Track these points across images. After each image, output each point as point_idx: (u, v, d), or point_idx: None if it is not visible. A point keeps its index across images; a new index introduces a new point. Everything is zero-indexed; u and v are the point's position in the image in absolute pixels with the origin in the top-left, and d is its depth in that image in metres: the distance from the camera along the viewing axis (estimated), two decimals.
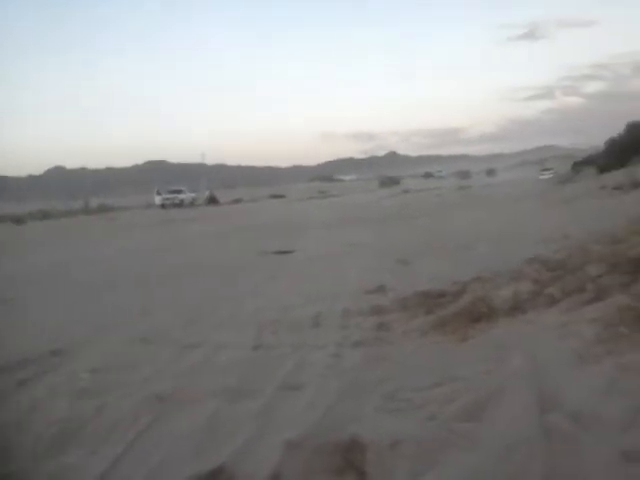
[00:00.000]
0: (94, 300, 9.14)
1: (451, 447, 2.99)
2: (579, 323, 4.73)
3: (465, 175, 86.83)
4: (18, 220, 37.96)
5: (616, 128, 31.39)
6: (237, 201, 56.71)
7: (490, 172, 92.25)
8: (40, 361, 5.67)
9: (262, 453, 3.22)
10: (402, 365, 4.55)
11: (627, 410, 3.00)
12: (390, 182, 76.94)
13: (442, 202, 30.04)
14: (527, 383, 3.63)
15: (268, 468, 3.02)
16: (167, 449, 3.47)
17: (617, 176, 21.55)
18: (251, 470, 3.08)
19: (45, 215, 44.03)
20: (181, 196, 49.98)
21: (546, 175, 50.19)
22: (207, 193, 58.33)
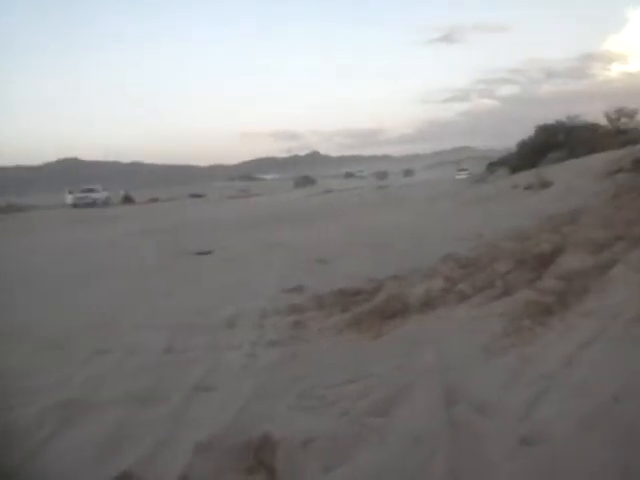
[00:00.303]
0: None
1: (362, 442, 3.04)
2: (487, 318, 4.92)
3: (382, 175, 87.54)
4: None
5: (528, 130, 32.87)
6: (154, 200, 55.31)
7: (408, 172, 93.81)
8: None
9: (171, 456, 3.16)
10: (316, 363, 4.59)
11: (525, 400, 3.15)
12: (305, 182, 76.22)
13: (361, 202, 30.48)
14: (436, 377, 3.75)
15: (176, 471, 2.96)
16: (71, 457, 3.34)
17: (528, 176, 22.52)
18: (159, 474, 3.02)
19: None
20: (94, 195, 48.07)
21: (462, 175, 51.88)
22: (122, 192, 56.64)
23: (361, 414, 3.41)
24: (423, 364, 4.07)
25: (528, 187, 20.17)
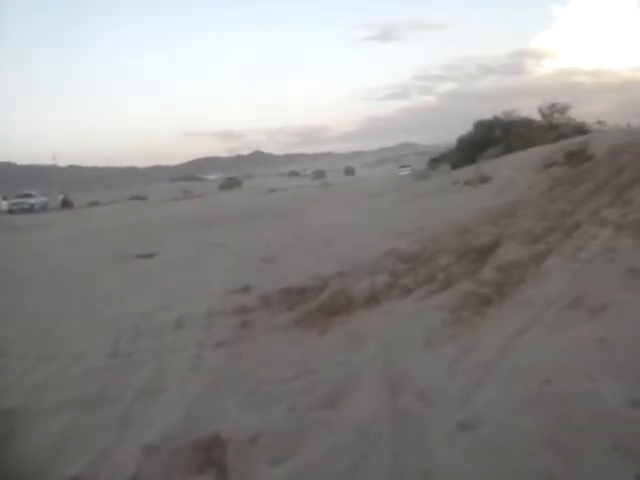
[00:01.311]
0: None
1: (309, 435, 3.11)
2: (428, 310, 5.07)
3: (320, 175, 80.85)
4: None
5: (467, 126, 33.67)
6: (94, 204, 53.93)
7: (348, 171, 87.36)
8: None
9: (119, 460, 3.15)
10: (263, 361, 4.63)
11: (464, 387, 3.28)
12: (232, 184, 71.66)
13: (305, 200, 30.56)
14: (380, 369, 3.85)
15: (125, 474, 2.95)
16: (14, 468, 3.27)
17: (467, 172, 23.07)
18: (108, 478, 3.00)
19: None
20: (31, 200, 46.51)
21: (405, 171, 52.66)
22: (60, 197, 55.00)
23: (308, 408, 3.49)
24: (367, 357, 4.17)
25: (468, 182, 20.67)
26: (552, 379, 3.07)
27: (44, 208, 46.75)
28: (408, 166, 59.13)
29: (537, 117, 31.30)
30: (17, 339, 6.31)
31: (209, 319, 6.30)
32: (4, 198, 48.00)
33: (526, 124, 30.50)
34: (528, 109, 33.73)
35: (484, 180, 19.42)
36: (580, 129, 27.07)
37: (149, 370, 4.77)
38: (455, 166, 29.43)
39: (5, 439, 3.69)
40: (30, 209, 44.43)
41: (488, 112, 32.56)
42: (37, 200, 47.38)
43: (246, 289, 7.65)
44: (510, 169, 18.76)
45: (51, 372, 5.06)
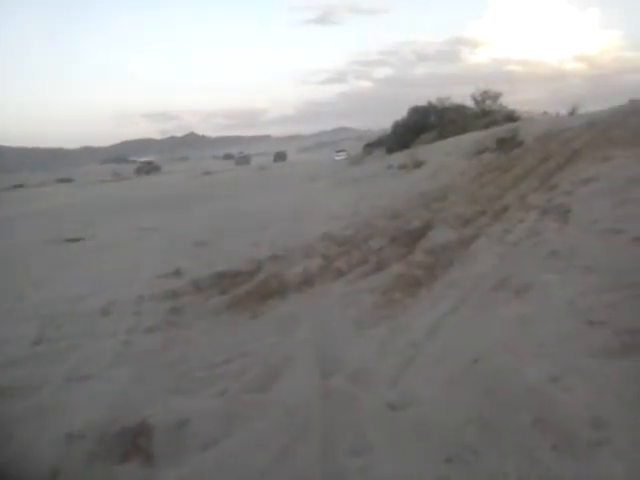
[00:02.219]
0: None
1: (240, 418, 3.09)
2: (360, 293, 5.12)
3: (244, 160, 73.15)
4: None
5: (402, 111, 34.09)
6: (18, 187, 51.69)
7: (279, 156, 76.83)
8: None
9: (41, 450, 3.03)
10: (194, 346, 4.56)
11: (394, 367, 3.34)
12: (149, 169, 66.63)
13: (240, 183, 30.29)
14: (312, 351, 3.87)
15: (47, 465, 2.85)
16: None
17: (402, 157, 23.40)
18: (29, 469, 2.90)
19: None
20: None
21: (341, 156, 52.84)
22: None
23: (239, 392, 3.46)
24: (299, 339, 4.19)
25: (402, 167, 20.98)
26: (479, 358, 3.15)
27: None
28: (344, 151, 59.31)
29: (470, 104, 32.07)
30: None
31: (139, 304, 6.14)
32: None
33: (459, 111, 31.19)
34: (462, 96, 34.35)
35: (418, 165, 19.75)
36: (511, 117, 27.86)
37: (76, 357, 4.61)
38: (390, 151, 29.79)
39: None
40: None
41: (423, 99, 33.12)
42: None
43: (177, 273, 7.52)
44: (443, 155, 19.15)
45: None
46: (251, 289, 5.90)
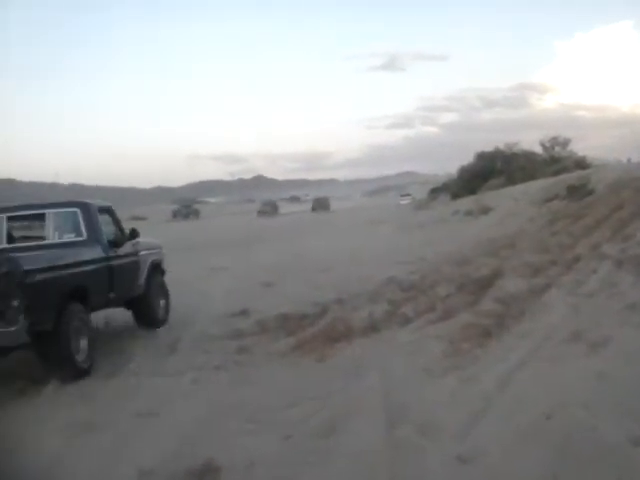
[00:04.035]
0: None
1: (305, 464, 3.07)
2: (428, 340, 5.04)
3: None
4: None
5: (468, 157, 33.92)
6: None
7: (320, 204, 57.79)
8: None
9: None
10: (260, 387, 4.60)
11: (464, 419, 3.25)
12: (188, 212, 60.04)
13: (305, 225, 30.65)
14: (379, 399, 3.82)
15: None
16: None
17: (468, 202, 23.19)
18: None
19: None
20: None
21: (405, 200, 52.84)
22: None
23: (305, 437, 3.44)
24: (366, 386, 4.15)
25: (468, 213, 20.78)
26: (553, 413, 3.04)
27: None
28: (409, 195, 59.27)
29: (539, 150, 31.60)
30: None
31: (208, 342, 6.28)
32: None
33: (528, 157, 30.78)
34: (530, 142, 34.00)
35: (485, 211, 19.51)
36: (581, 163, 27.27)
37: (145, 393, 4.74)
38: (456, 196, 29.60)
39: None
40: None
41: (490, 144, 32.91)
42: None
43: (245, 313, 7.64)
44: (511, 201, 18.85)
45: None
46: (317, 332, 5.93)
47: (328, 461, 3.06)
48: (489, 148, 32.41)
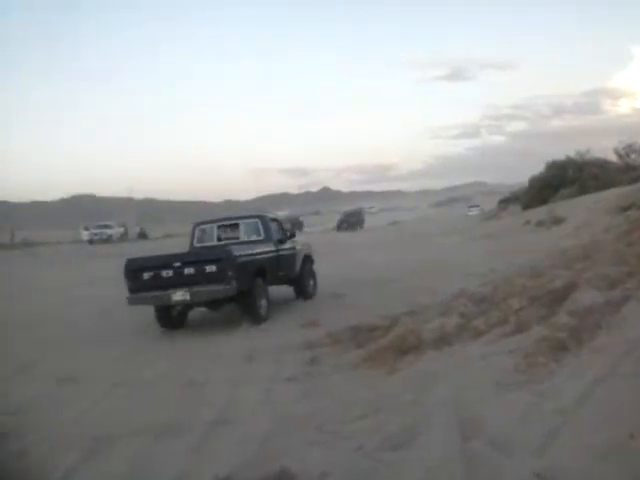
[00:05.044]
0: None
1: (377, 476, 3.09)
2: (501, 354, 4.96)
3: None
4: None
5: (538, 166, 33.02)
6: (168, 236, 55.51)
7: (353, 217, 52.58)
8: None
9: None
10: (331, 398, 4.65)
11: (540, 435, 3.19)
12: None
13: (373, 237, 30.59)
14: (450, 412, 3.80)
15: None
16: None
17: (539, 212, 22.60)
18: None
19: None
20: (109, 231, 48.66)
21: (474, 211, 51.92)
22: (137, 228, 56.95)
23: (376, 448, 3.46)
24: (438, 399, 4.12)
25: (540, 223, 20.26)
26: (636, 433, 2.95)
27: (122, 239, 48.55)
28: (477, 206, 58.21)
29: (613, 158, 30.41)
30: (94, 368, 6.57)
31: (279, 353, 6.42)
32: (85, 228, 50.11)
33: (601, 165, 29.68)
34: (603, 150, 32.68)
35: (557, 221, 18.97)
36: None
37: (221, 402, 4.90)
38: (526, 206, 28.90)
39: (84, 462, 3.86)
40: (108, 239, 46.28)
41: (561, 152, 31.86)
42: (115, 231, 49.36)
43: (315, 324, 7.76)
44: (585, 211, 18.25)
45: (127, 398, 5.30)
46: (387, 344, 5.93)
47: (401, 473, 3.07)
48: (560, 156, 31.43)
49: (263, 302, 8.80)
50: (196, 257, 8.83)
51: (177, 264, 8.36)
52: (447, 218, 47.62)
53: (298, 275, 10.66)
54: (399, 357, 5.46)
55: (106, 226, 50.15)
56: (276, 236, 10.18)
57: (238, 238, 10.05)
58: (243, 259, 8.55)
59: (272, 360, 6.15)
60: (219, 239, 10.22)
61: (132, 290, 8.44)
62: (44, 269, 23.76)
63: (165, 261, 8.59)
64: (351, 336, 6.61)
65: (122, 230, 51.30)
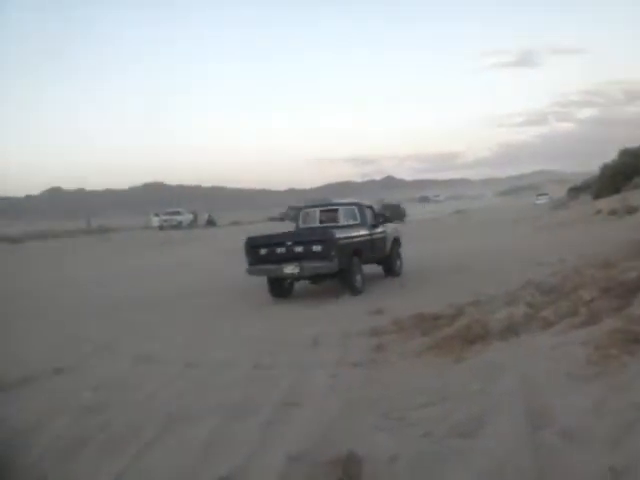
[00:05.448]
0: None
1: (446, 463, 3.10)
2: (571, 346, 4.85)
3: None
4: (14, 240, 37.03)
5: (609, 154, 31.78)
6: (235, 223, 56.55)
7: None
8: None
9: (265, 466, 3.33)
10: (397, 385, 4.67)
11: (614, 428, 3.11)
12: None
13: (440, 225, 30.23)
14: (519, 402, 3.74)
15: (271, 478, 3.14)
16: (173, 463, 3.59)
17: (612, 202, 21.80)
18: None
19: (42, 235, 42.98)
20: (179, 218, 49.98)
21: (542, 200, 50.56)
22: (206, 215, 58.22)
23: (444, 435, 3.46)
24: (505, 389, 4.07)
25: (612, 212, 19.56)
26: None
27: (191, 225, 49.78)
28: (546, 194, 56.60)
29: None
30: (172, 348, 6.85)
31: (345, 338, 6.51)
32: (155, 215, 51.62)
33: None
34: None
35: (631, 211, 18.29)
36: None
37: (289, 384, 5.01)
38: (598, 195, 27.95)
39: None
40: (178, 225, 47.57)
41: (634, 139, 30.56)
42: (184, 217, 50.68)
43: (380, 311, 7.81)
44: None
45: (198, 379, 5.49)
46: (453, 333, 5.89)
47: (470, 460, 3.07)
48: (634, 144, 30.12)
49: (359, 277, 10.17)
50: (305, 237, 10.20)
51: (289, 243, 9.86)
52: (514, 207, 46.42)
53: (388, 256, 12.01)
54: (466, 346, 5.41)
55: (176, 213, 51.49)
56: (370, 221, 11.45)
57: (337, 222, 11.37)
58: (343, 241, 9.88)
59: (339, 345, 6.26)
60: (321, 221, 11.63)
61: (251, 263, 10.15)
62: (131, 256, 24.85)
63: (279, 240, 10.13)
64: (416, 324, 6.61)
65: (191, 217, 52.56)
